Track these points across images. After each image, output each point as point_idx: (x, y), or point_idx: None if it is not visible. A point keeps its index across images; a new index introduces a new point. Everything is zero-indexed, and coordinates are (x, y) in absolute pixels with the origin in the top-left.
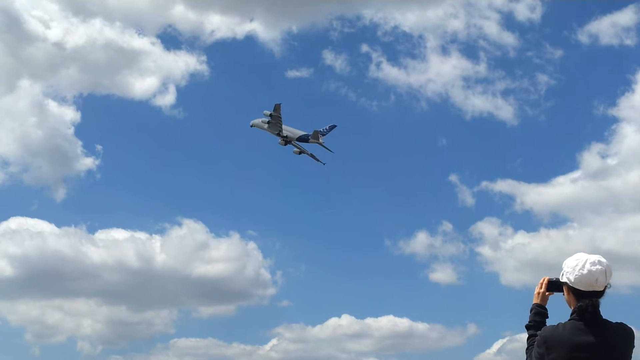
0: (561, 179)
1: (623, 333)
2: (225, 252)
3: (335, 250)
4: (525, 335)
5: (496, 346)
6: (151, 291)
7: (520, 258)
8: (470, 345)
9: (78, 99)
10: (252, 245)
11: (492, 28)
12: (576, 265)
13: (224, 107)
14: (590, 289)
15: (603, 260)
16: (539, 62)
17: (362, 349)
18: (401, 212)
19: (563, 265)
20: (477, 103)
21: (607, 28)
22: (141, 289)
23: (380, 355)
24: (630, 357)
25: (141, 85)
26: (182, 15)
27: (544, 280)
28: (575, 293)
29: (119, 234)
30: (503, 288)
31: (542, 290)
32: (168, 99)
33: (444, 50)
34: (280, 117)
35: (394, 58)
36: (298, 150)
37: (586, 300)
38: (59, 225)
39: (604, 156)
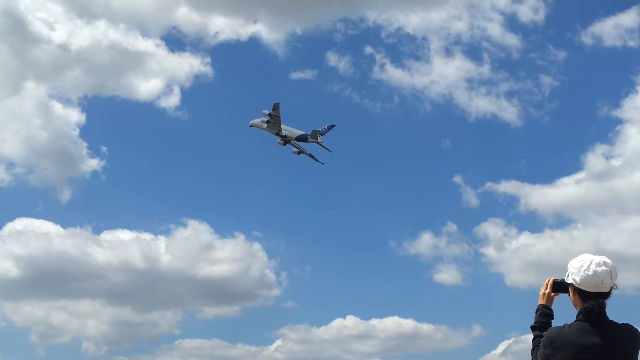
0: (565, 180)
1: (629, 334)
2: (230, 253)
3: (340, 251)
4: (530, 336)
5: (501, 347)
6: (156, 292)
7: (524, 259)
8: (475, 346)
9: (83, 101)
10: (257, 246)
11: (495, 30)
12: (581, 266)
13: (228, 109)
14: (596, 290)
15: (608, 261)
16: (543, 63)
17: (367, 350)
18: (405, 213)
19: (568, 267)
20: (481, 104)
21: (610, 29)
22: (146, 290)
23: (385, 356)
24: (637, 358)
25: (146, 87)
26: (186, 17)
27: (549, 281)
28: (581, 294)
29: (124, 234)
30: (508, 289)
31: (547, 291)
32: (172, 101)
33: (448, 52)
34: (279, 117)
35: (397, 59)
36: (297, 150)
37: (592, 301)
38: (64, 226)
39: (608, 157)
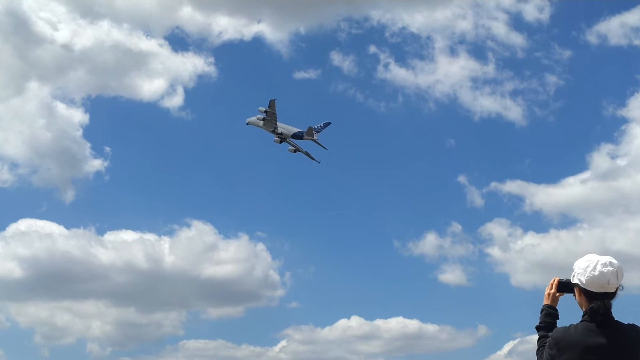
0: (571, 179)
1: (635, 334)
2: (234, 254)
3: (344, 252)
4: (536, 337)
5: (507, 347)
6: (160, 293)
7: (530, 259)
8: (480, 347)
9: (86, 101)
10: (261, 246)
11: (500, 29)
12: (587, 266)
13: (232, 109)
14: (602, 290)
15: (614, 261)
16: (548, 62)
17: (372, 351)
18: (410, 213)
19: (574, 267)
20: (486, 104)
21: (616, 28)
22: (150, 291)
23: (390, 356)
24: None
25: (149, 87)
26: (189, 16)
27: (554, 281)
28: (587, 294)
29: (128, 235)
30: (513, 289)
31: (552, 291)
32: (176, 101)
33: (452, 51)
34: (275, 114)
35: (401, 59)
36: (293, 148)
37: (598, 301)
38: (68, 227)
39: (613, 157)
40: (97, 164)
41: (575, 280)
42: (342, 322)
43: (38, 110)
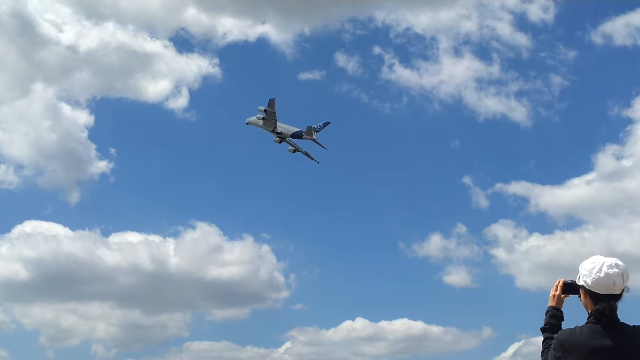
0: (576, 180)
1: None
2: (239, 255)
3: (348, 253)
4: (541, 339)
5: (512, 349)
6: (165, 294)
7: (535, 260)
8: (485, 349)
9: (91, 103)
10: (265, 248)
11: (504, 29)
12: (593, 268)
13: (237, 110)
14: (608, 292)
15: (620, 263)
16: (553, 63)
17: (377, 352)
18: (415, 215)
19: (579, 268)
20: (490, 104)
21: (620, 28)
22: (155, 292)
23: (395, 358)
24: None
25: (154, 89)
26: (194, 18)
27: (559, 282)
28: (593, 296)
29: (133, 237)
30: (518, 291)
31: (557, 292)
32: (181, 102)
33: (457, 52)
34: (275, 113)
35: (406, 60)
36: (292, 148)
37: (604, 303)
38: (73, 229)
39: (618, 157)
40: (102, 165)
41: (580, 282)
42: (347, 324)
43: (43, 111)
